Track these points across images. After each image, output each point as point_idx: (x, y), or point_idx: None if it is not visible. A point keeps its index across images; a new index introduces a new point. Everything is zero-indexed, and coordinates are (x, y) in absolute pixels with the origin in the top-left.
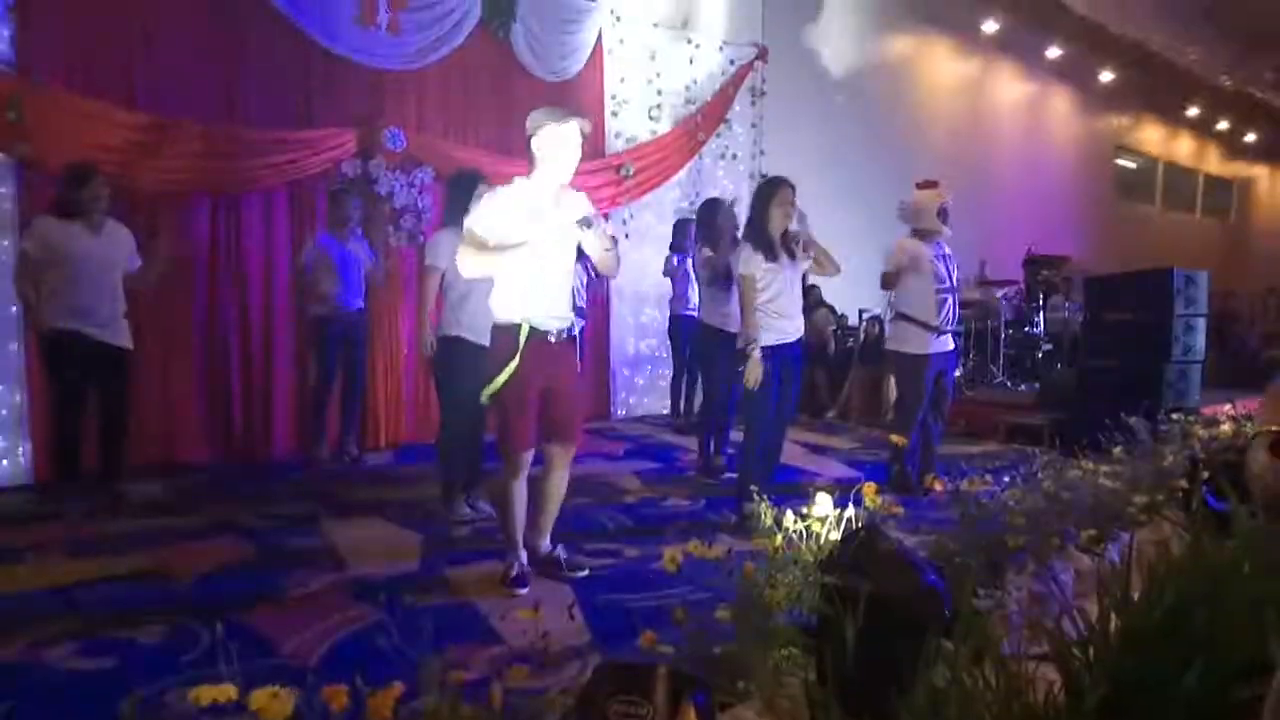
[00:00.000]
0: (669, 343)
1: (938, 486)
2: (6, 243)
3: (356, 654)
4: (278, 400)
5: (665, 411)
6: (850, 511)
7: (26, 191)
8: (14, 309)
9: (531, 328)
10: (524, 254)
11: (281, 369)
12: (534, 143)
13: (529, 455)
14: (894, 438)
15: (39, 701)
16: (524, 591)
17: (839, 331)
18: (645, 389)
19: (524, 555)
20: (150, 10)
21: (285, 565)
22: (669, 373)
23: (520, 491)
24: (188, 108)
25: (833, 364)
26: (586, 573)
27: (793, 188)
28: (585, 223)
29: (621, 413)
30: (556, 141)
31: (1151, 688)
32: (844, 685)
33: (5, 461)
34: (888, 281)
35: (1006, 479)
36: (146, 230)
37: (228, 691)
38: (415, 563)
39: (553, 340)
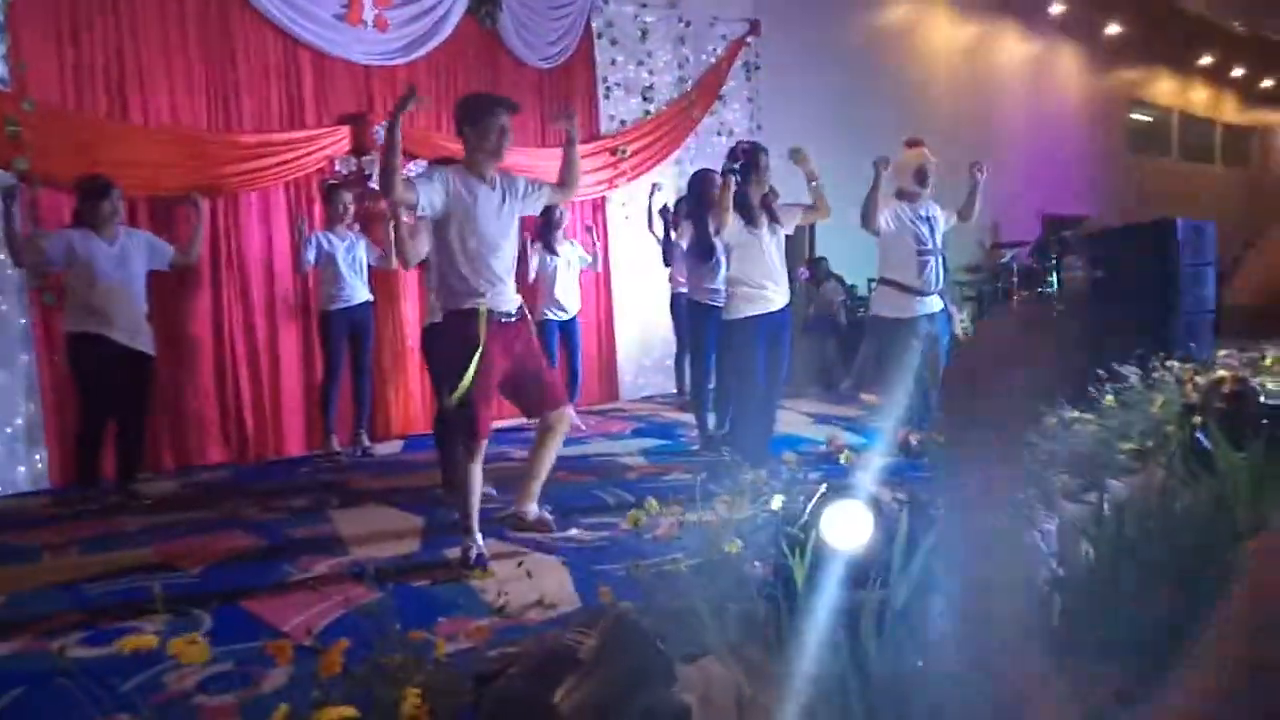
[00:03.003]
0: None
1: (913, 440)
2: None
3: (353, 630)
4: (286, 398)
5: (672, 390)
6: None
7: (28, 207)
8: (23, 321)
9: (490, 310)
10: (471, 236)
11: (288, 367)
12: (467, 129)
13: (486, 441)
14: (866, 397)
15: (44, 687)
16: (494, 569)
17: (848, 302)
18: (652, 369)
19: (479, 538)
20: (137, 21)
21: (289, 553)
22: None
23: (478, 475)
24: (180, 114)
25: (843, 335)
26: (573, 532)
27: (766, 152)
28: (567, 116)
29: (629, 394)
30: (489, 129)
31: (1112, 617)
32: (796, 631)
33: (23, 468)
34: (864, 219)
35: None
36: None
37: (148, 641)
38: (417, 545)
39: (510, 320)
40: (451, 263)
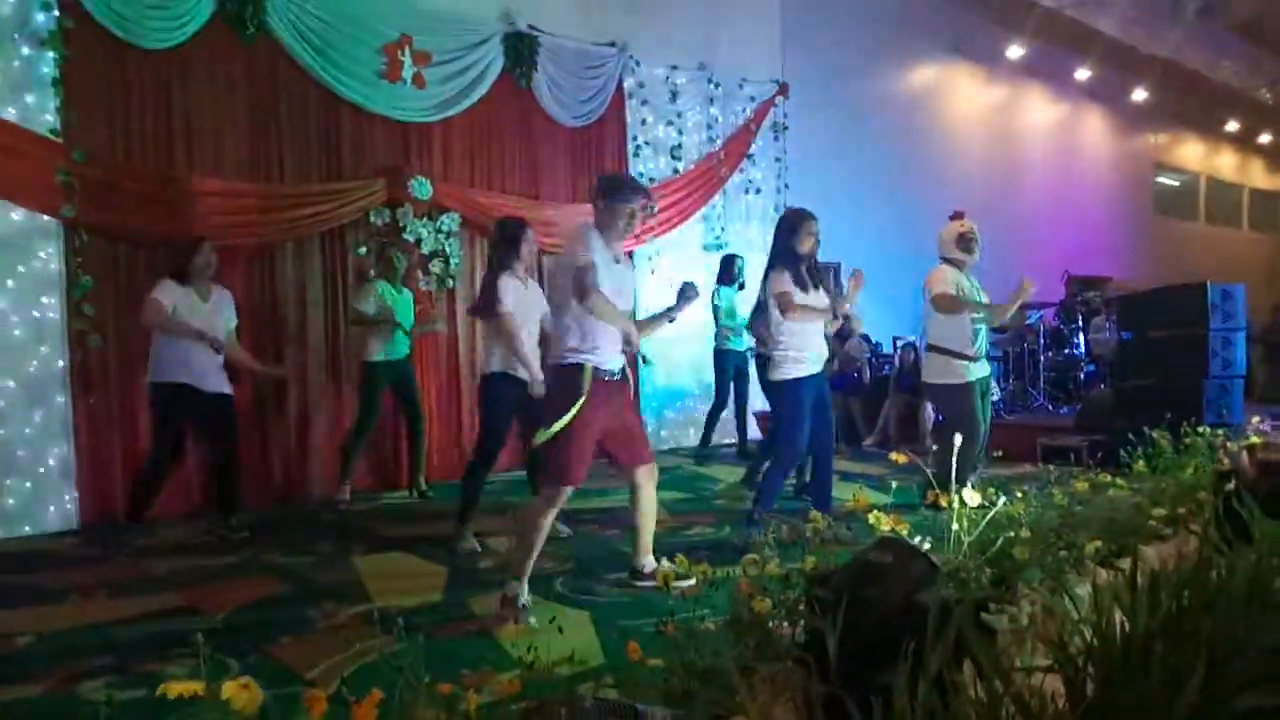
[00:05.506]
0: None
1: (942, 502)
2: (54, 299)
3: (377, 679)
4: (315, 444)
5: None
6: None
7: (71, 251)
8: (61, 364)
9: (595, 369)
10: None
11: (319, 414)
12: (608, 202)
13: (570, 491)
14: (894, 456)
15: None
16: (534, 622)
17: (874, 360)
18: (677, 422)
19: (526, 588)
20: (186, 77)
21: (314, 599)
22: (702, 406)
23: (548, 525)
24: (223, 165)
25: (868, 392)
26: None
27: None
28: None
29: (654, 445)
30: (620, 213)
31: (1148, 693)
32: (828, 697)
33: (54, 508)
34: (948, 305)
35: (1018, 494)
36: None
37: (193, 687)
38: (440, 595)
39: (613, 379)
40: (568, 323)
